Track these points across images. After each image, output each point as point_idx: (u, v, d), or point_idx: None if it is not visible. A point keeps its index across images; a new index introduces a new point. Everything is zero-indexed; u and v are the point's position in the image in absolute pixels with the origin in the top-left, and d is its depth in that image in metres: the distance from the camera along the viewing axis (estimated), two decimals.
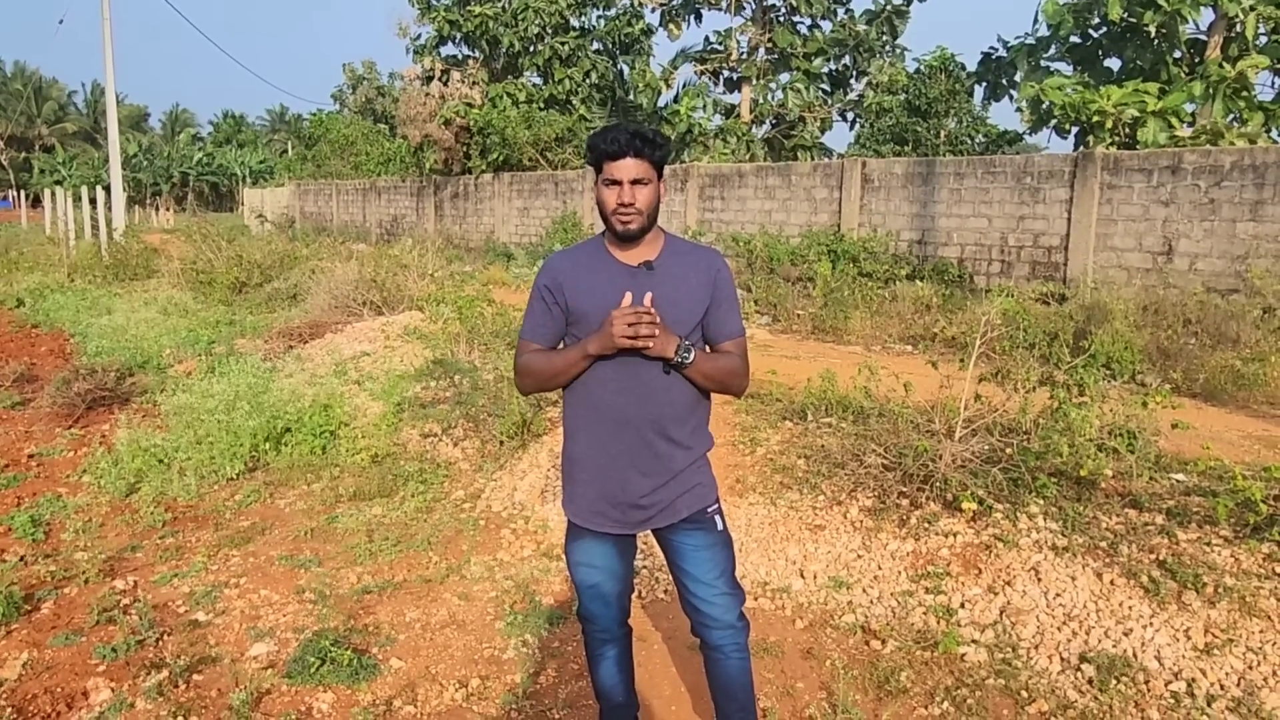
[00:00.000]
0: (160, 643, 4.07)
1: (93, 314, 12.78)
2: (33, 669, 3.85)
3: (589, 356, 2.59)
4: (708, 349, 2.74)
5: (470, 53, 27.05)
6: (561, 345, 2.74)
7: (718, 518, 2.82)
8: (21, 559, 5.00)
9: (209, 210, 60.12)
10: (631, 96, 26.85)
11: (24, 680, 3.76)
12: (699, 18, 25.31)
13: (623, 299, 2.55)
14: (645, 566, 4.71)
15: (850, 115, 25.46)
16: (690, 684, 3.68)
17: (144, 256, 17.53)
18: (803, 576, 4.56)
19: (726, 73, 25.51)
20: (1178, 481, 4.94)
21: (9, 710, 3.48)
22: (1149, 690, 3.49)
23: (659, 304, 2.56)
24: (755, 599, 4.39)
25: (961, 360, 5.35)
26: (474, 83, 25.74)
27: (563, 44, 25.50)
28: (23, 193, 56.91)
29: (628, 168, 2.53)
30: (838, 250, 13.60)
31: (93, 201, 22.49)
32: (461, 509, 5.66)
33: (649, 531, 2.81)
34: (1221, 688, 3.45)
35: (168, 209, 56.83)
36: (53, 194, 27.11)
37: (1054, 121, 15.13)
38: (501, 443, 6.36)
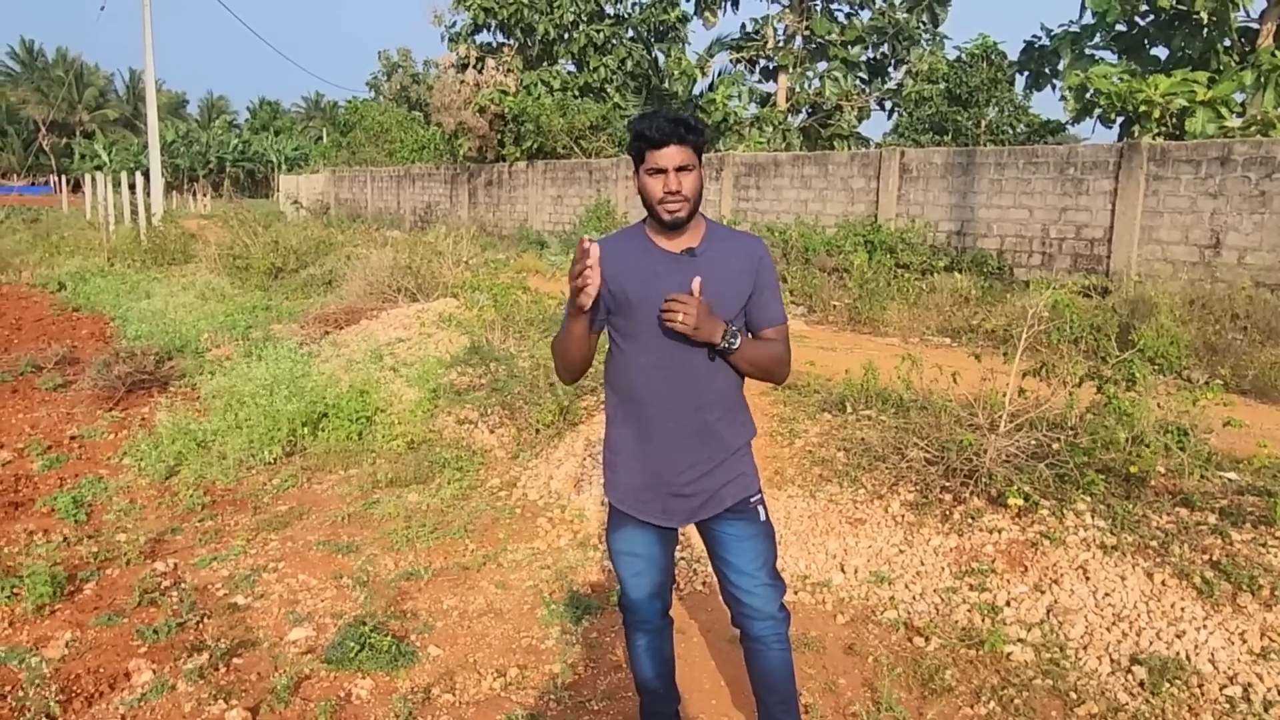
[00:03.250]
0: (201, 625, 4.09)
1: (132, 298, 12.93)
2: (76, 649, 3.88)
3: (573, 315, 2.52)
4: (750, 336, 2.70)
5: (505, 40, 27.04)
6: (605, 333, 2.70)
7: (760, 508, 2.78)
8: (65, 539, 5.05)
9: (245, 196, 60.74)
10: (666, 84, 26.72)
11: (68, 660, 3.79)
12: (735, 5, 25.21)
13: (667, 289, 2.50)
14: (683, 558, 4.66)
15: (889, 104, 25.16)
16: (729, 677, 3.64)
17: (182, 241, 17.71)
18: (843, 571, 4.49)
19: (763, 61, 25.29)
20: (1230, 480, 4.82)
21: (54, 689, 3.51)
22: (1203, 694, 3.39)
23: (702, 290, 2.52)
24: (795, 593, 4.33)
25: (1005, 354, 5.24)
26: (508, 70, 25.72)
27: (598, 31, 25.40)
28: (64, 178, 57.81)
29: (672, 155, 2.48)
30: (874, 241, 13.45)
31: (132, 187, 22.76)
32: (498, 497, 5.65)
33: None
34: (1279, 693, 3.35)
35: (205, 195, 57.48)
36: (93, 179, 27.49)
37: (1099, 111, 14.83)
38: (538, 431, 6.34)
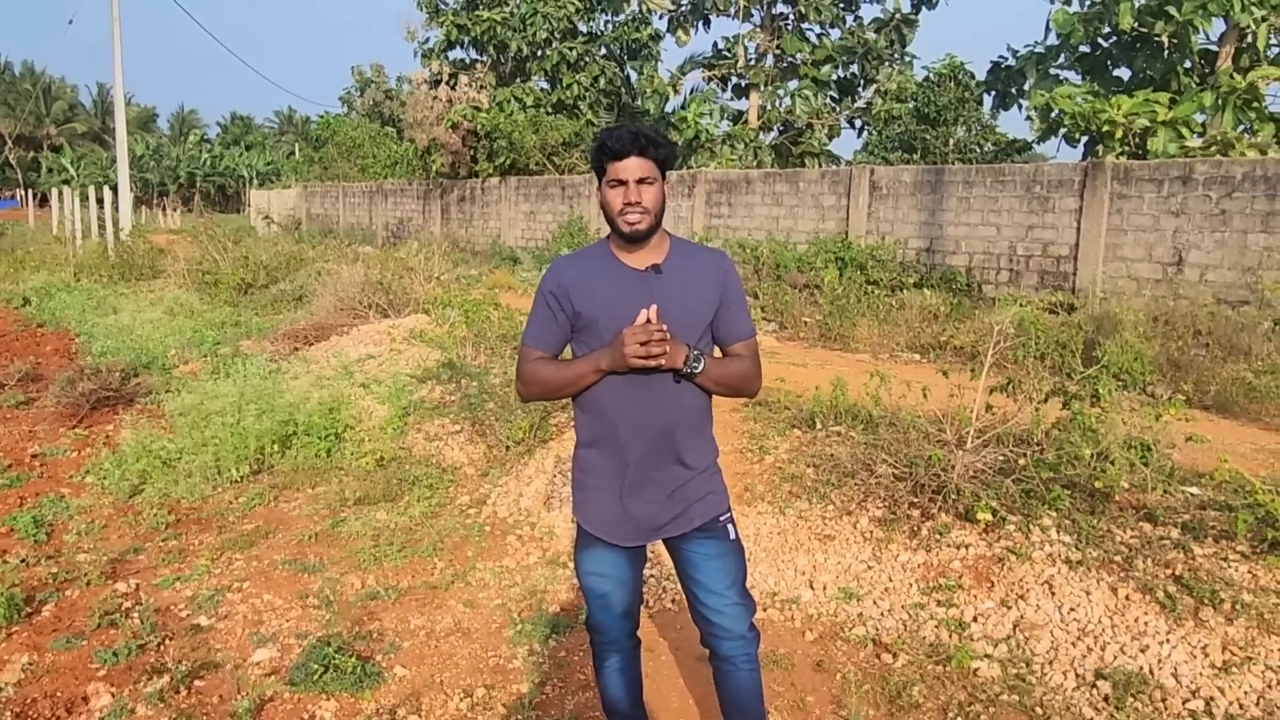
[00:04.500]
0: (162, 647, 4.02)
1: (98, 314, 12.76)
2: (33, 673, 3.80)
3: (600, 371, 2.54)
4: (717, 350, 2.70)
5: (478, 57, 27.05)
6: (568, 351, 2.70)
7: (730, 526, 2.77)
8: (23, 560, 4.96)
9: (216, 211, 60.19)
10: (639, 102, 26.80)
11: (24, 684, 3.71)
12: (707, 24, 25.27)
13: (635, 306, 2.51)
14: (653, 575, 4.65)
15: (858, 122, 25.39)
16: (698, 696, 3.63)
17: (150, 257, 17.53)
18: (812, 587, 4.50)
19: (734, 79, 25.44)
20: (1192, 495, 4.88)
21: (9, 715, 3.44)
22: (1166, 709, 3.43)
23: (668, 308, 2.52)
24: (764, 610, 4.33)
25: (972, 370, 5.29)
26: (481, 87, 25.73)
27: (570, 49, 25.48)
28: (30, 192, 57.07)
29: (632, 167, 2.50)
30: (845, 257, 13.55)
31: (100, 201, 22.51)
32: (467, 515, 5.61)
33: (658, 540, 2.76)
34: (1240, 707, 3.39)
35: (174, 209, 56.92)
36: (60, 193, 27.17)
37: (1063, 131, 15.06)
38: (508, 448, 6.32)
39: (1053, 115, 15.17)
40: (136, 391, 8.47)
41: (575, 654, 3.95)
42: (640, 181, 2.50)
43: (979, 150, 21.43)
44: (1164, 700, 3.46)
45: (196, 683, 3.73)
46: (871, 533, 4.79)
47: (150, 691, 3.60)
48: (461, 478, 6.19)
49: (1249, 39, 15.21)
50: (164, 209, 57.54)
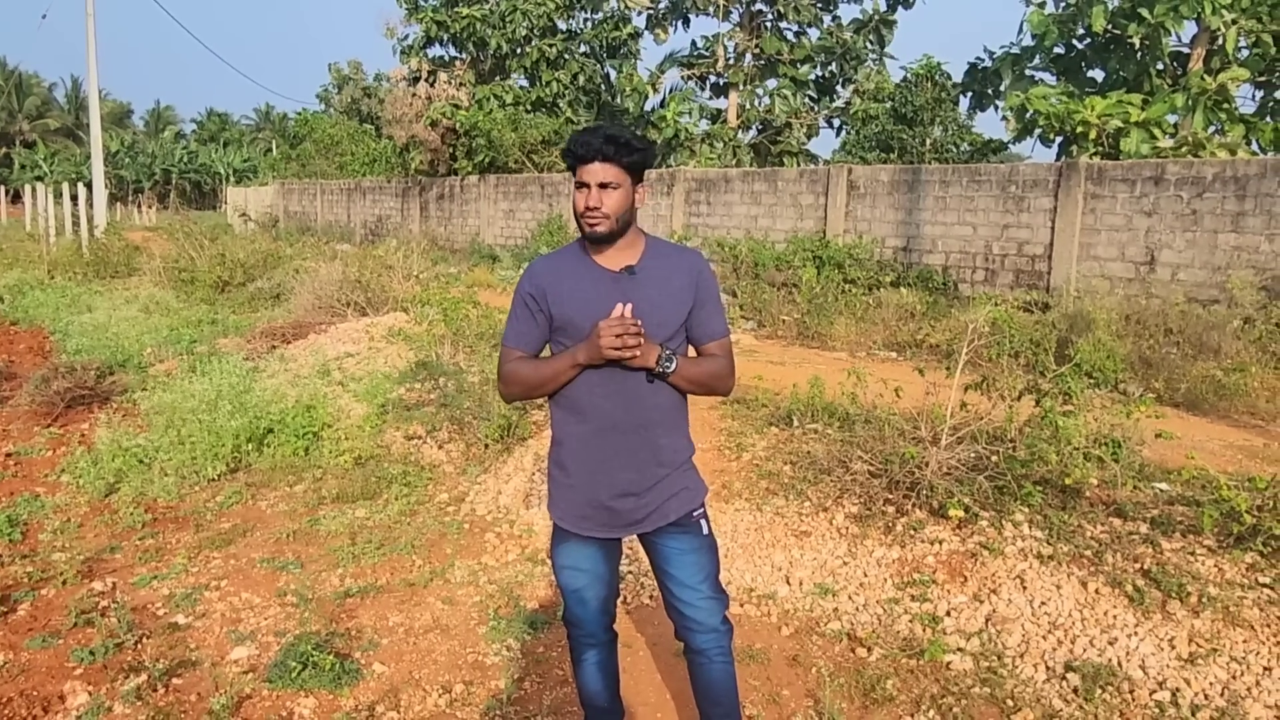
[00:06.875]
0: (139, 646, 4.02)
1: (73, 311, 12.65)
2: (8, 672, 3.79)
3: (578, 366, 2.58)
4: (691, 350, 2.74)
5: (457, 54, 26.99)
6: (546, 351, 2.73)
7: (703, 521, 2.81)
8: None
9: (192, 208, 59.68)
10: (618, 100, 26.84)
11: (0, 683, 3.70)
12: (686, 23, 25.36)
13: (609, 306, 2.55)
14: (630, 572, 4.69)
15: (836, 122, 25.53)
16: (675, 690, 3.66)
17: (125, 254, 17.37)
18: (788, 583, 4.55)
19: (713, 78, 25.54)
20: (1161, 491, 4.97)
21: None
22: (1134, 700, 3.49)
23: (642, 308, 2.56)
24: (740, 605, 4.37)
25: (948, 368, 5.36)
26: (460, 84, 25.68)
27: (550, 46, 25.47)
28: (2, 188, 56.33)
29: (595, 171, 2.54)
30: (823, 256, 13.63)
31: (74, 198, 22.30)
32: (445, 512, 5.62)
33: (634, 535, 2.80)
34: (1205, 697, 3.46)
35: (150, 206, 56.37)
36: (33, 190, 26.86)
37: (1038, 131, 15.22)
38: (486, 446, 6.33)
39: (1028, 116, 15.32)
40: (112, 390, 8.42)
41: (553, 650, 3.97)
42: (603, 186, 2.54)
43: (955, 150, 21.58)
44: (1131, 692, 3.53)
45: (174, 681, 3.73)
46: (847, 529, 4.85)
47: (127, 690, 3.60)
48: (440, 475, 6.19)
49: (1219, 41, 15.42)
50: (139, 206, 56.98)
